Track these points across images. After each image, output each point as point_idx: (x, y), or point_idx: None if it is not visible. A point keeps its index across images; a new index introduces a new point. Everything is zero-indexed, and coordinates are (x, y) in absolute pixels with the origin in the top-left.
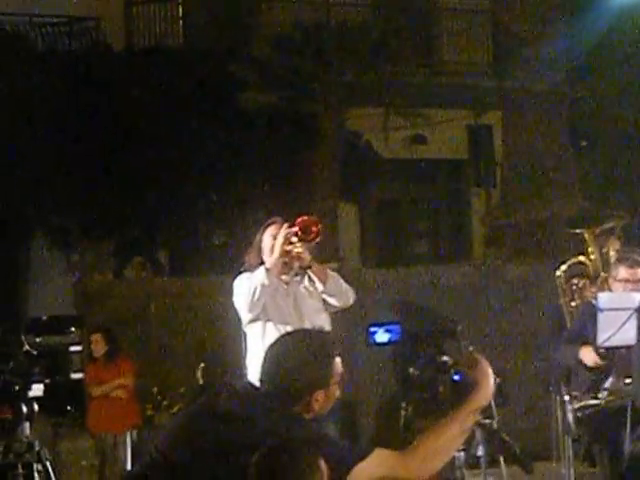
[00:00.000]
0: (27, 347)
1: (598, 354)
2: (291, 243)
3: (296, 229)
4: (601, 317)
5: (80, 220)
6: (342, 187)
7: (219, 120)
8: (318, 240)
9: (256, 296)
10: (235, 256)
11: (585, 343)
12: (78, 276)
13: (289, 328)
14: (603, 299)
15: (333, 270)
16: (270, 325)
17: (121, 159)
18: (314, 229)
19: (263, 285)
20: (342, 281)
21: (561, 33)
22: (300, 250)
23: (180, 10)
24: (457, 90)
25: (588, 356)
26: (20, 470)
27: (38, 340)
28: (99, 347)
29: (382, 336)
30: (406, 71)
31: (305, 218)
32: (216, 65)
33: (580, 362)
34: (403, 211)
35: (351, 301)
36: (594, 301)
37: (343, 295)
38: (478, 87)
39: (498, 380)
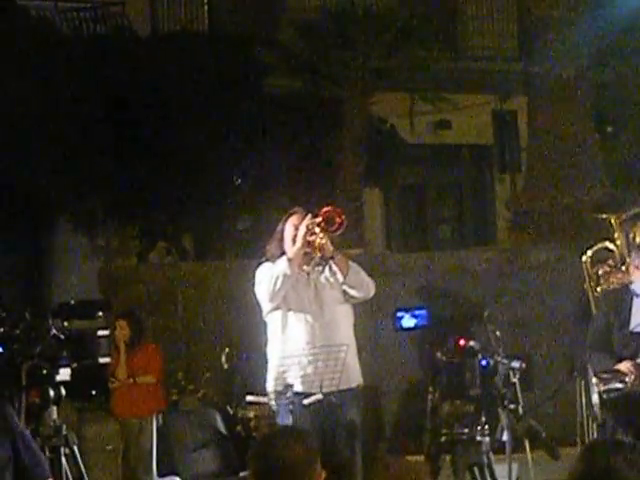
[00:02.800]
0: (54, 331)
1: (635, 365)
2: (314, 234)
3: (319, 220)
4: (637, 303)
5: (104, 204)
6: (367, 172)
7: (244, 105)
8: (341, 231)
9: (277, 286)
10: (260, 241)
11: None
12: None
13: (309, 318)
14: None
15: (357, 256)
16: (290, 314)
17: (146, 143)
18: (338, 220)
19: (285, 275)
20: (363, 273)
21: (587, 17)
22: (323, 241)
23: None
24: (482, 75)
25: (624, 366)
26: (47, 454)
27: (65, 324)
28: (124, 332)
29: (409, 321)
30: (431, 56)
31: (329, 209)
32: (241, 50)
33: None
34: (428, 196)
35: (371, 293)
36: (631, 287)
37: (363, 287)
38: (503, 72)
39: (523, 365)
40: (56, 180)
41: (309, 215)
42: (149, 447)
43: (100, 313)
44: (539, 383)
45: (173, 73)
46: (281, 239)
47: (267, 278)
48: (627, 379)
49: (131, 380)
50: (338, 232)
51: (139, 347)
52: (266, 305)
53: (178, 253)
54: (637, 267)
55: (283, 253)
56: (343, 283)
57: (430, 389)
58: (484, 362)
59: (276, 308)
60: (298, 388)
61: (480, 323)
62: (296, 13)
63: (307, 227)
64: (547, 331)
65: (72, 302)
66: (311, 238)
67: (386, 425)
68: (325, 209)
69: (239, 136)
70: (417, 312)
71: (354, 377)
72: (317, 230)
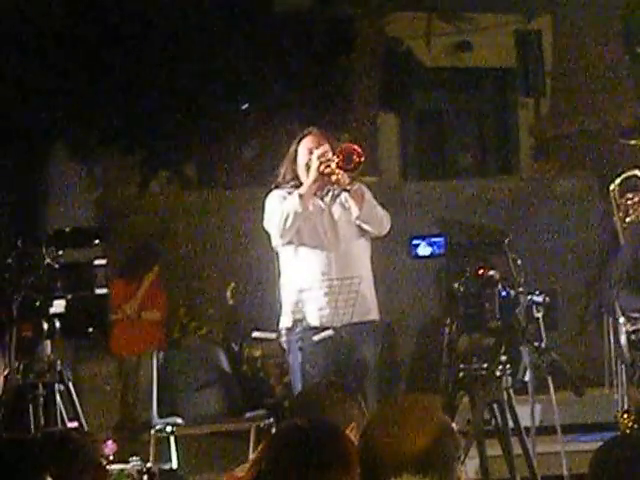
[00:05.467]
0: (48, 260)
1: None
2: (328, 167)
3: (337, 159)
4: None
5: (102, 131)
6: (381, 96)
7: (251, 25)
8: (359, 170)
9: (288, 223)
10: (268, 169)
11: None
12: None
13: (324, 249)
14: None
15: (372, 184)
16: (304, 247)
17: (146, 67)
18: (356, 159)
19: (296, 212)
20: (379, 208)
21: None
22: (339, 177)
23: None
24: None
25: None
26: (40, 390)
27: (60, 253)
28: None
29: (424, 249)
30: None
31: (347, 146)
32: None
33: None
34: (446, 122)
35: (386, 230)
36: None
37: (378, 222)
38: None
39: (547, 299)
40: (51, 106)
41: (323, 142)
42: (149, 386)
43: (97, 241)
44: (563, 321)
45: None
46: (293, 161)
47: (277, 213)
48: None
49: (136, 315)
50: (355, 171)
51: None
52: (277, 240)
53: (181, 182)
54: None
55: (295, 177)
56: (357, 218)
57: (447, 321)
58: (504, 293)
59: (288, 242)
60: (314, 322)
61: (500, 252)
62: None
63: (320, 160)
64: (573, 266)
65: (67, 229)
66: (326, 171)
67: (401, 359)
68: (343, 146)
69: (245, 58)
70: (434, 239)
71: (370, 310)
72: (333, 166)
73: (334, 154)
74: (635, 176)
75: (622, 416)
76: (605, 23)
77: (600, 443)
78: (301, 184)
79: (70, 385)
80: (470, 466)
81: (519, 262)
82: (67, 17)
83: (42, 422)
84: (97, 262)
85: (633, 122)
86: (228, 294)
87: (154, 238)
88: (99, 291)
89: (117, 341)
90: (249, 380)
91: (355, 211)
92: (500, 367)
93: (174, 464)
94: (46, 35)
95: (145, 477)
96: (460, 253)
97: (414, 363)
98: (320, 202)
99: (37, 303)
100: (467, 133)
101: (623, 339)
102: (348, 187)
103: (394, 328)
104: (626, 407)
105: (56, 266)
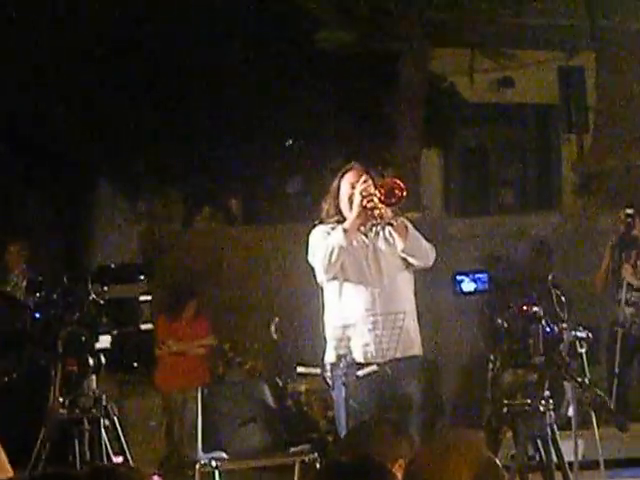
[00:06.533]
0: (94, 296)
1: None
2: (371, 201)
3: (379, 194)
4: None
5: (147, 166)
6: (425, 132)
7: (295, 60)
8: (401, 204)
9: (333, 257)
10: (311, 204)
11: None
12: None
13: (368, 284)
14: None
15: (415, 220)
16: (348, 283)
17: (191, 103)
18: (397, 193)
19: (340, 247)
20: (423, 240)
21: None
22: (382, 212)
23: None
24: (547, 30)
25: None
26: (86, 425)
27: (105, 289)
28: (191, 311)
29: (468, 285)
30: (494, 9)
31: (389, 180)
32: (292, 3)
33: None
34: (489, 158)
35: (431, 261)
36: None
37: (423, 255)
38: (570, 26)
39: (590, 335)
40: (97, 141)
41: (366, 177)
42: (194, 422)
43: (142, 277)
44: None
45: (220, 28)
46: (336, 197)
47: (322, 249)
48: None
49: (182, 351)
50: (397, 205)
51: (192, 317)
52: (321, 276)
53: (224, 217)
54: None
55: (338, 212)
56: (402, 250)
57: (491, 357)
58: (548, 329)
59: (333, 278)
60: (358, 358)
61: (544, 288)
62: None
63: (363, 195)
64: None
65: (112, 265)
66: (369, 205)
67: (445, 396)
68: (386, 180)
69: (290, 94)
70: (477, 276)
71: (414, 345)
72: (375, 200)
73: (376, 189)
74: None
75: None
76: None
77: None
78: (344, 219)
79: (116, 420)
80: None
81: (562, 298)
82: (113, 51)
83: (88, 457)
84: (142, 298)
85: None
86: (272, 329)
87: (198, 274)
88: (144, 327)
89: (163, 377)
90: (293, 415)
91: (400, 244)
92: (543, 402)
93: None
94: (92, 72)
95: None
96: (504, 289)
97: (458, 398)
98: (364, 237)
99: (83, 338)
100: (510, 169)
101: None
102: (391, 221)
103: (438, 363)
104: None
105: (101, 302)
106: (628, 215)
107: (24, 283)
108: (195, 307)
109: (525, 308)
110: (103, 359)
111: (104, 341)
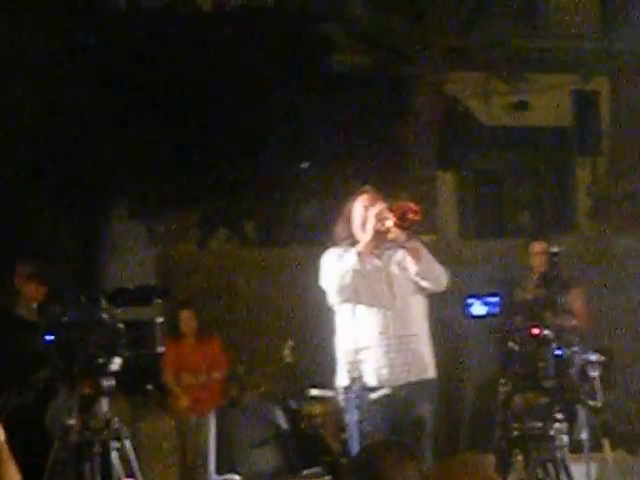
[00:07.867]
0: (110, 318)
1: None
2: (383, 225)
3: (392, 216)
4: None
5: (163, 189)
6: (440, 155)
7: (310, 83)
8: (415, 227)
9: (346, 281)
10: (326, 227)
11: None
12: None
13: (382, 307)
14: None
15: (429, 242)
16: (361, 306)
17: (206, 126)
18: (411, 216)
19: (354, 270)
20: (437, 264)
21: None
22: (395, 235)
23: None
24: (562, 54)
25: None
26: (97, 448)
27: (119, 311)
28: (190, 324)
29: (479, 309)
30: (508, 33)
31: (402, 204)
32: (307, 25)
33: None
34: (503, 181)
35: (444, 285)
36: None
37: (436, 277)
38: (584, 50)
39: (603, 359)
40: (113, 164)
41: (380, 200)
42: (207, 445)
43: (158, 300)
44: (621, 380)
45: (237, 50)
46: (349, 220)
47: (335, 272)
48: None
49: (200, 379)
50: (412, 228)
51: (206, 340)
52: (334, 298)
53: (240, 240)
54: None
55: (350, 235)
56: (415, 274)
57: (501, 380)
58: (559, 352)
59: (346, 301)
60: (371, 381)
61: (555, 311)
62: None
63: (377, 219)
64: (630, 325)
65: (130, 287)
66: (382, 229)
67: (456, 417)
68: (400, 204)
69: (305, 116)
70: (489, 299)
71: (427, 368)
72: (389, 224)
73: (390, 212)
74: None
75: None
76: None
77: None
78: (357, 242)
79: (127, 442)
80: None
81: (574, 322)
82: (129, 72)
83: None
84: (159, 320)
85: None
86: (286, 352)
87: (213, 296)
88: (160, 350)
89: (178, 403)
90: (306, 437)
91: (413, 267)
92: (554, 426)
93: None
94: (107, 94)
95: None
96: (514, 312)
97: (469, 421)
98: (377, 260)
99: (100, 360)
100: (524, 192)
101: None
102: (405, 244)
103: (450, 387)
104: None
105: (119, 324)
106: None
107: (36, 305)
108: (193, 318)
109: (536, 331)
110: (114, 382)
111: (116, 363)
